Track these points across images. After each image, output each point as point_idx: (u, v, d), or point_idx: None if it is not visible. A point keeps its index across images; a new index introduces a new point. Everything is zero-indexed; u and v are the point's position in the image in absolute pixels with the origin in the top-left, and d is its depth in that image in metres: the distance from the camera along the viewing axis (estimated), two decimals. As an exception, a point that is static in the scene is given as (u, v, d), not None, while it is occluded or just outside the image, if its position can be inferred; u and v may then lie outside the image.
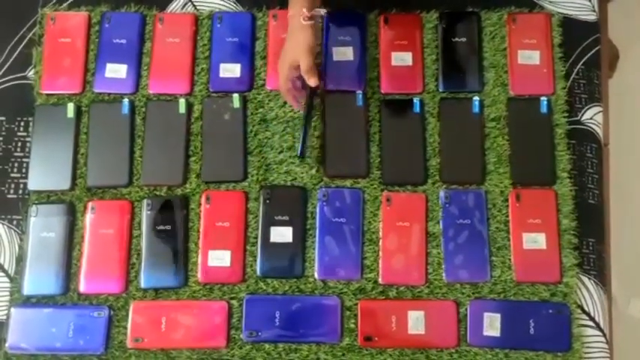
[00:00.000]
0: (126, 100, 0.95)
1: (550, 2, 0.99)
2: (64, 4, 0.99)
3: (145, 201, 0.91)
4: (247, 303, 0.89)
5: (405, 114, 0.94)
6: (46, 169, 0.93)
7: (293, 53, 0.84)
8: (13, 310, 0.89)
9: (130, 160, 0.93)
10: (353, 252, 0.90)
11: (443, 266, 0.90)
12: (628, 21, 1.27)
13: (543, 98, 0.94)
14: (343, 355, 0.87)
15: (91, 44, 0.97)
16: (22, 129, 0.95)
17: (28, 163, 0.93)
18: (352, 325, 0.88)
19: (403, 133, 0.94)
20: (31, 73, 0.97)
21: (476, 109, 0.94)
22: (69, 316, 0.88)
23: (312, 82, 0.83)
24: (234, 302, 0.89)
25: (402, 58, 0.97)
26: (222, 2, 1.00)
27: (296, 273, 0.90)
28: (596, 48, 0.98)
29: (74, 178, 0.93)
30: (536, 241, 0.90)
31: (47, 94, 0.96)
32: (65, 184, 0.92)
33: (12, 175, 0.94)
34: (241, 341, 0.88)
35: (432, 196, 0.92)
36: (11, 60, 0.97)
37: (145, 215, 0.91)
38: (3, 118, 0.96)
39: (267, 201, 0.91)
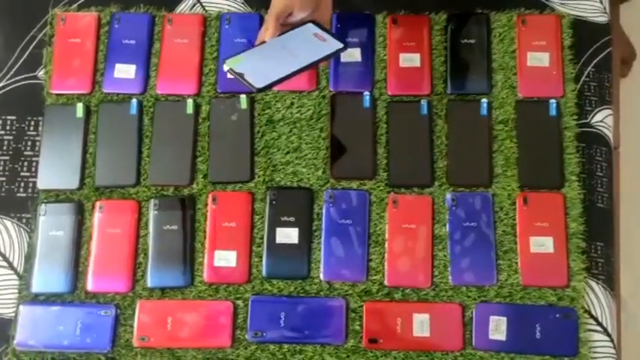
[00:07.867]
0: (134, 101, 0.95)
1: (560, 4, 0.98)
2: (74, 5, 1.00)
3: (152, 201, 0.92)
4: (253, 303, 0.89)
5: (413, 116, 0.94)
6: (55, 168, 0.94)
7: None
8: (21, 307, 0.89)
9: (138, 160, 0.94)
10: (359, 254, 0.90)
11: (449, 269, 0.89)
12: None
13: (552, 101, 0.94)
14: (348, 356, 0.87)
15: (100, 45, 0.98)
16: (32, 128, 0.96)
17: (37, 162, 0.94)
18: (357, 327, 0.88)
19: (410, 135, 0.94)
20: (41, 73, 0.98)
21: (484, 112, 0.94)
22: (76, 315, 0.89)
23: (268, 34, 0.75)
24: (240, 302, 0.89)
25: (410, 60, 0.96)
26: (230, 3, 1.00)
27: (301, 274, 0.90)
28: (607, 50, 0.97)
29: (83, 177, 0.93)
30: (543, 244, 0.89)
31: (57, 94, 0.96)
32: (74, 184, 0.93)
33: (22, 174, 0.95)
34: (246, 341, 0.88)
35: (438, 199, 0.92)
36: (22, 60, 0.98)
37: (152, 215, 0.91)
38: (13, 118, 0.97)
39: (274, 202, 0.92)
